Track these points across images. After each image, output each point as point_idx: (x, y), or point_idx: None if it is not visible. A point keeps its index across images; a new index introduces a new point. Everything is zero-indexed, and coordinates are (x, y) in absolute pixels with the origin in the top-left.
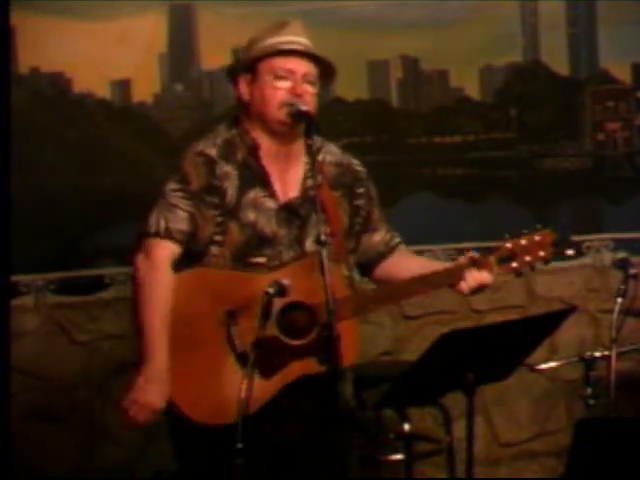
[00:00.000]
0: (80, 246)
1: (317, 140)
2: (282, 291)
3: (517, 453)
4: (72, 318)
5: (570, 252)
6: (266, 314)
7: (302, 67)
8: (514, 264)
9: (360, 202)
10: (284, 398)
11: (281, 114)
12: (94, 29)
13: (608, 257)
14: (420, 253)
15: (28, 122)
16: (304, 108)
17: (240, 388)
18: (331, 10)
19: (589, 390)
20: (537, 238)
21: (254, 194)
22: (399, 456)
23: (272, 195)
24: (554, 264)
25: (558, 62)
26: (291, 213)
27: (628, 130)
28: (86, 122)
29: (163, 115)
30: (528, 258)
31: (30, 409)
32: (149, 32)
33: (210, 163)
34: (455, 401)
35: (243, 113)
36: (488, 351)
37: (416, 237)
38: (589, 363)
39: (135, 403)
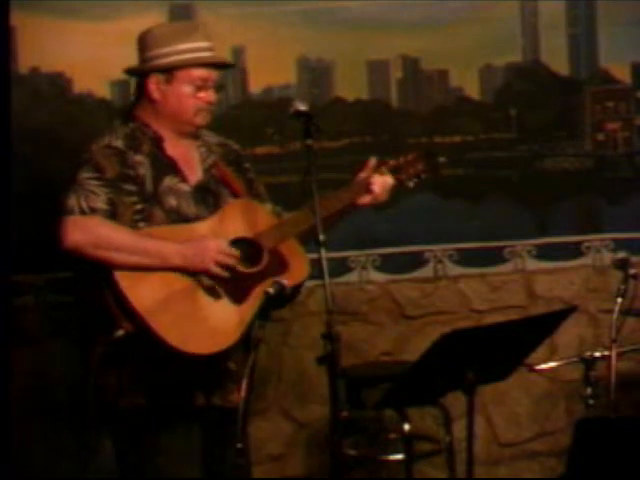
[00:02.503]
0: None
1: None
2: (282, 291)
3: (517, 453)
4: (72, 318)
5: (442, 159)
6: (265, 314)
7: (214, 74)
8: (402, 175)
9: (250, 175)
10: (232, 362)
11: (197, 119)
12: (94, 29)
13: (608, 257)
14: (420, 253)
15: (28, 122)
16: (303, 108)
17: (218, 317)
18: (331, 10)
19: (589, 390)
20: (410, 157)
21: (169, 181)
22: (399, 456)
23: (184, 179)
24: (554, 264)
25: (558, 62)
26: (205, 192)
27: (628, 130)
28: (86, 122)
29: None
30: (411, 170)
31: (30, 409)
32: None
33: (120, 154)
34: (455, 401)
35: (144, 107)
36: (488, 351)
37: (416, 237)
38: (589, 363)
39: (215, 258)
